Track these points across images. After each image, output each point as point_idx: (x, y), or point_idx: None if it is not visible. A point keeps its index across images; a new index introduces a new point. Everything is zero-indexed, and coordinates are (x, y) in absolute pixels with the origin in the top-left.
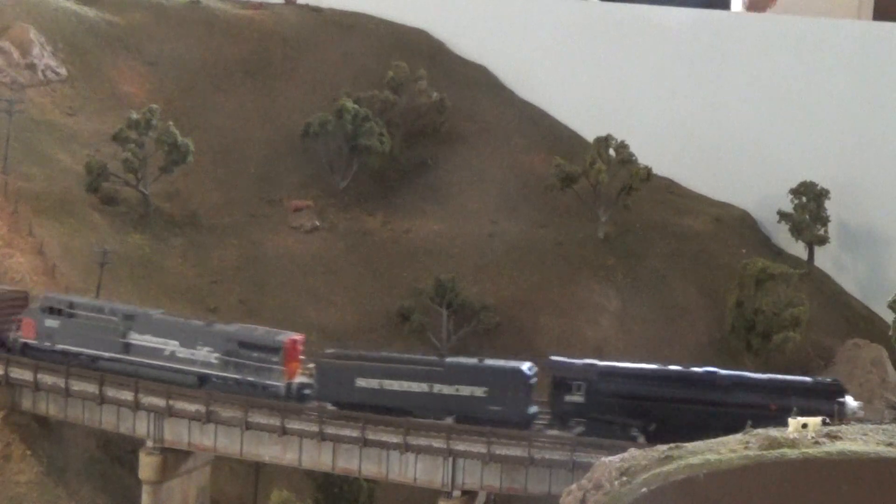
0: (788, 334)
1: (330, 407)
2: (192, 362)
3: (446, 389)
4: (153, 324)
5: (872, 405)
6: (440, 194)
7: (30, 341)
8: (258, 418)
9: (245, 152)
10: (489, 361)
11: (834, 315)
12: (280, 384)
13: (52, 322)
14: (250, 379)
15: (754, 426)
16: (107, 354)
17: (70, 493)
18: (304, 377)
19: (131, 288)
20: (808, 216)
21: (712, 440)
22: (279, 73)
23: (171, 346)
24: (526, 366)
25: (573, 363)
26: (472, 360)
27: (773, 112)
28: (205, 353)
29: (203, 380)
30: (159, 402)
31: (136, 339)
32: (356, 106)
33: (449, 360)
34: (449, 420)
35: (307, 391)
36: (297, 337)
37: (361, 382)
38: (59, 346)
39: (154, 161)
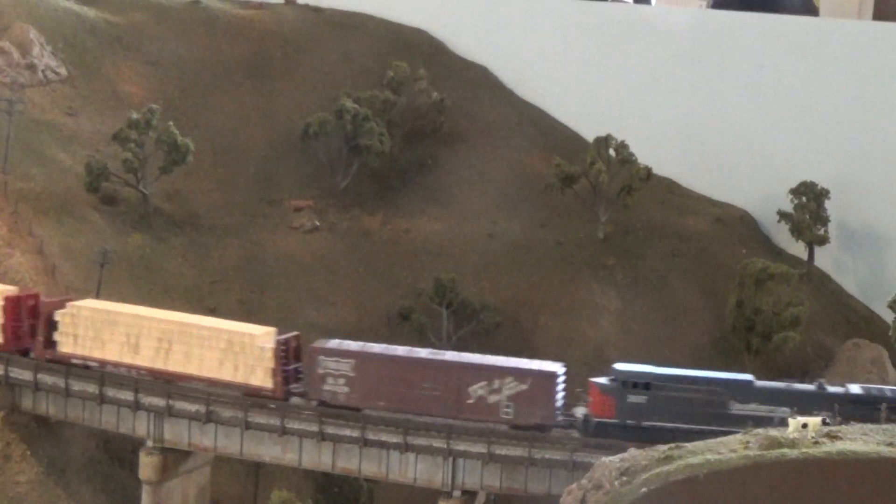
0: (788, 334)
1: None
2: None
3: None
4: (755, 391)
5: None
6: (440, 194)
7: (607, 420)
8: (258, 418)
9: (245, 152)
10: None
11: (834, 315)
12: None
13: (636, 398)
14: None
15: None
16: (706, 428)
17: (70, 493)
18: None
19: (131, 288)
20: (808, 216)
21: (712, 440)
22: (279, 73)
23: (781, 413)
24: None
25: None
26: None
27: (773, 112)
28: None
29: None
30: (159, 402)
31: (738, 409)
32: (356, 106)
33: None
34: None
35: None
36: None
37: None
38: (647, 423)
39: (154, 161)
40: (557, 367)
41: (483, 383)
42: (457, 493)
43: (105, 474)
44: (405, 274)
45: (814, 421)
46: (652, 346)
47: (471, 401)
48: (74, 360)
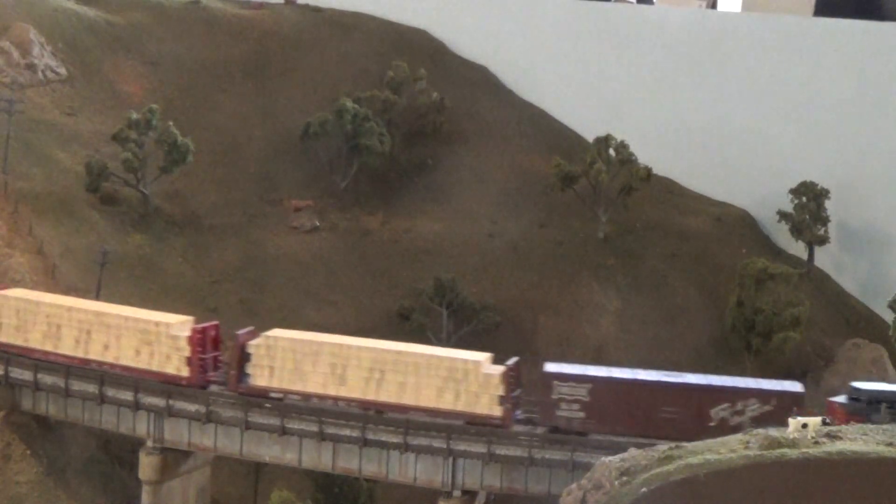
0: (788, 334)
1: None
2: None
3: None
4: None
5: None
6: (440, 194)
7: None
8: (258, 418)
9: (245, 152)
10: None
11: (834, 315)
12: None
13: (883, 416)
14: None
15: None
16: None
17: (70, 493)
18: None
19: (131, 288)
20: (808, 216)
21: (712, 440)
22: (279, 73)
23: None
24: None
25: None
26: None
27: (773, 112)
28: None
29: None
30: (159, 402)
31: None
32: (356, 106)
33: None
34: None
35: None
36: None
37: None
38: None
39: (154, 161)
40: (799, 387)
41: (725, 405)
42: (457, 493)
43: (105, 474)
44: (405, 274)
45: (814, 421)
46: (652, 346)
47: (712, 423)
48: (273, 394)
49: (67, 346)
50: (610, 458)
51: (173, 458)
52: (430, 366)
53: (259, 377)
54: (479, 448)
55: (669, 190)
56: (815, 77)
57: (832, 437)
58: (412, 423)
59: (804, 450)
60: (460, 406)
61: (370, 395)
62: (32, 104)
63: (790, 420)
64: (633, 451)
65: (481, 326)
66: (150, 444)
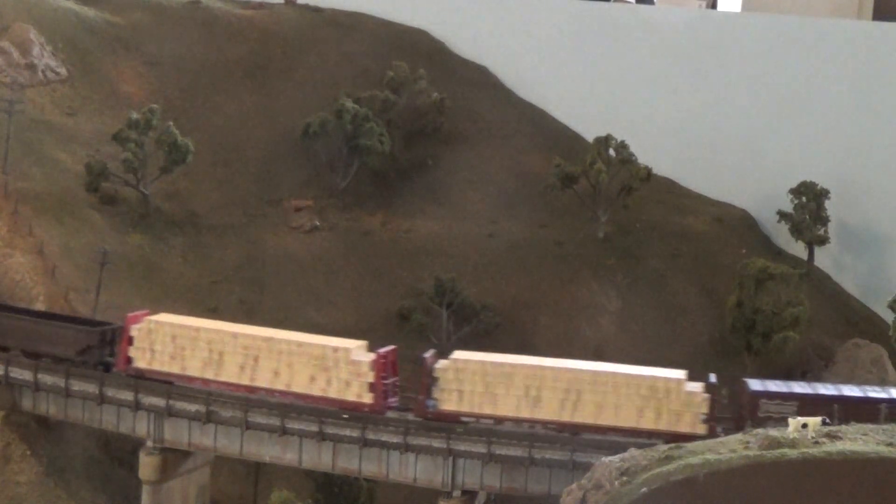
0: (788, 334)
1: None
2: None
3: None
4: None
5: None
6: (440, 194)
7: None
8: (258, 418)
9: (245, 152)
10: None
11: (834, 315)
12: None
13: None
14: None
15: None
16: None
17: (70, 493)
18: None
19: (131, 288)
20: (808, 216)
21: (712, 440)
22: (279, 73)
23: None
24: None
25: None
26: None
27: (773, 112)
28: None
29: None
30: (159, 402)
31: None
32: (356, 106)
33: None
34: None
35: None
36: None
37: None
38: None
39: (154, 161)
40: None
41: None
42: (457, 493)
43: (105, 474)
44: (405, 274)
45: (814, 421)
46: (652, 346)
47: None
48: (464, 419)
49: (231, 374)
50: (610, 458)
51: (173, 458)
52: (629, 385)
53: (447, 401)
54: (479, 448)
55: (669, 190)
56: (815, 77)
57: (832, 437)
58: (412, 423)
59: (804, 450)
60: (662, 425)
61: (566, 417)
62: (32, 104)
63: (790, 420)
64: (633, 451)
65: (481, 326)
66: (150, 444)
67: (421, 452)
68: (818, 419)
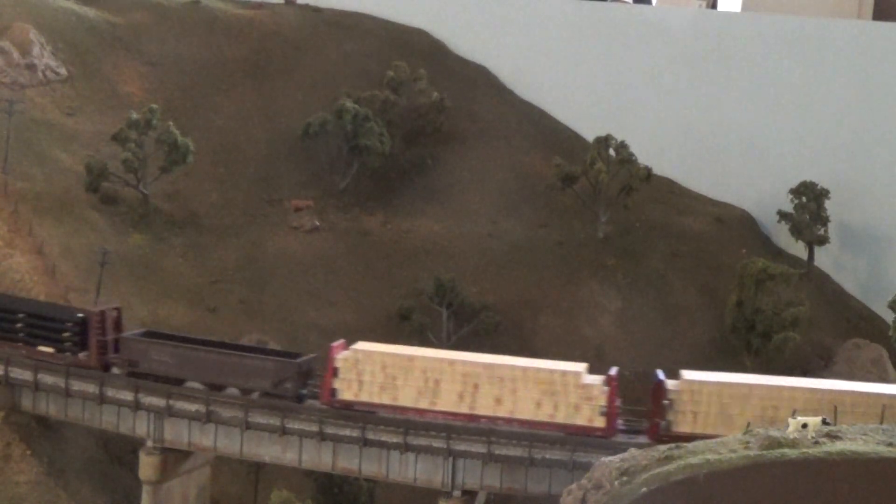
0: (788, 334)
1: None
2: None
3: None
4: None
5: None
6: (440, 194)
7: None
8: (258, 418)
9: (245, 152)
10: None
11: (834, 315)
12: None
13: None
14: None
15: None
16: None
17: (70, 493)
18: None
19: (131, 288)
20: (808, 216)
21: (712, 440)
22: (279, 73)
23: None
24: None
25: None
26: None
27: (773, 112)
28: None
29: None
30: (159, 402)
31: None
32: (356, 106)
33: None
34: None
35: None
36: None
37: None
38: None
39: (154, 161)
40: None
41: None
42: (457, 493)
43: (105, 474)
44: (405, 274)
45: (814, 421)
46: (652, 346)
47: None
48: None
49: (449, 403)
50: (610, 457)
51: (173, 458)
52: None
53: (682, 423)
54: (479, 448)
55: (669, 190)
56: (815, 77)
57: (832, 437)
58: (412, 423)
59: (804, 450)
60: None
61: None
62: (32, 104)
63: (790, 420)
64: (633, 451)
65: (481, 326)
66: (150, 444)
67: (421, 452)
68: (818, 419)
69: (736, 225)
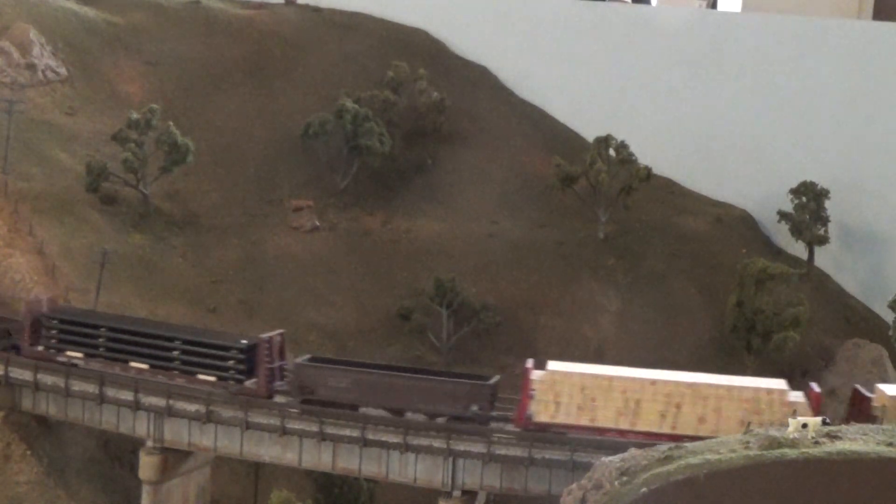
0: (788, 334)
1: None
2: None
3: None
4: None
5: None
6: (440, 194)
7: None
8: (258, 418)
9: (245, 152)
10: None
11: (834, 315)
12: None
13: None
14: None
15: None
16: None
17: (70, 493)
18: None
19: (131, 288)
20: (808, 216)
21: (712, 440)
22: (279, 73)
23: None
24: None
25: None
26: None
27: (773, 112)
28: None
29: None
30: (159, 402)
31: None
32: (356, 106)
33: None
34: None
35: None
36: None
37: None
38: None
39: (154, 161)
40: None
41: None
42: (457, 493)
43: (105, 474)
44: (405, 274)
45: (814, 421)
46: (652, 346)
47: None
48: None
49: (650, 423)
50: (610, 457)
51: (173, 458)
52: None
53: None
54: (479, 448)
55: (669, 190)
56: (815, 77)
57: (832, 437)
58: (412, 423)
59: (804, 450)
60: None
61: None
62: (32, 104)
63: (790, 420)
64: (633, 451)
65: (481, 326)
66: (150, 444)
67: (421, 452)
68: (818, 419)
69: (736, 225)
